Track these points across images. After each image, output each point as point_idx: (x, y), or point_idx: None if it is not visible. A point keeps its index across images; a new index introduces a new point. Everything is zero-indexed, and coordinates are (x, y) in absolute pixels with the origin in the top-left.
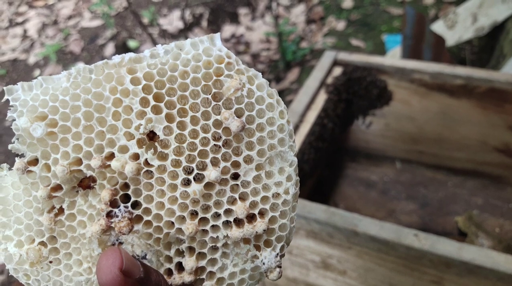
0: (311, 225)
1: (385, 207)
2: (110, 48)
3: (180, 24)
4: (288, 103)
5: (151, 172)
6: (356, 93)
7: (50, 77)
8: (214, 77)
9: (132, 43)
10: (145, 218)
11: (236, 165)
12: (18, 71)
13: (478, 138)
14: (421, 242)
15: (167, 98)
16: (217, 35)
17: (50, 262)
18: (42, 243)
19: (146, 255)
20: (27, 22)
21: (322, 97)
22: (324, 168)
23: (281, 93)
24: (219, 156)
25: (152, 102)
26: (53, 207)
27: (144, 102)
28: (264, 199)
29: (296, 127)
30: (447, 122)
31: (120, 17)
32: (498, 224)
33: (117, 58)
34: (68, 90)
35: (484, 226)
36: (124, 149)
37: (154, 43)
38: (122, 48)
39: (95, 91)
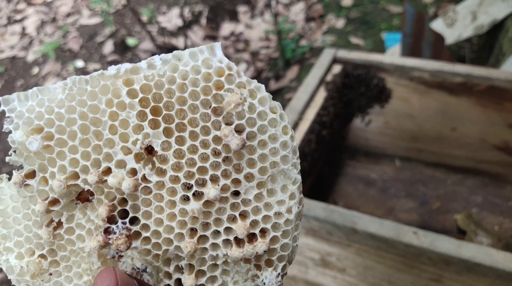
0: (310, 223)
1: (384, 205)
2: (109, 46)
3: (179, 22)
4: (287, 101)
5: (149, 187)
6: (355, 91)
7: (46, 87)
8: (214, 91)
9: (131, 41)
10: (144, 234)
11: (236, 182)
12: (16, 68)
13: (477, 136)
14: (420, 240)
15: (165, 112)
16: (218, 44)
17: (51, 274)
18: (42, 256)
19: (146, 268)
20: (25, 20)
21: (321, 95)
22: (323, 166)
23: (281, 91)
24: (218, 172)
25: (150, 116)
26: (52, 220)
27: (141, 116)
28: (266, 218)
29: (296, 125)
30: (446, 120)
31: (119, 14)
32: (498, 222)
33: (112, 69)
34: (63, 102)
35: (483, 224)
36: (121, 164)
37: (153, 40)
38: (121, 46)
39: (90, 104)
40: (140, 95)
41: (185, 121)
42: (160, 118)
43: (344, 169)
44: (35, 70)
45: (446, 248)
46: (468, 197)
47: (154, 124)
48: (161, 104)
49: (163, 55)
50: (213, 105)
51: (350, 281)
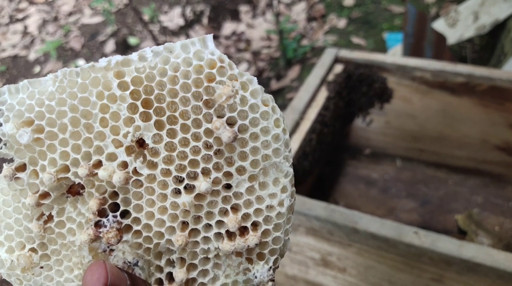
0: (311, 222)
1: (385, 204)
2: (110, 45)
3: (180, 21)
4: (289, 101)
5: (140, 180)
6: (357, 90)
7: (37, 80)
8: (205, 83)
9: (132, 40)
10: (135, 227)
11: (228, 175)
12: (18, 67)
13: (479, 136)
14: (421, 240)
15: (156, 104)
16: (209, 36)
17: (42, 267)
18: (33, 249)
19: (138, 262)
20: (27, 19)
21: (323, 95)
22: (324, 165)
23: (282, 90)
24: (210, 165)
25: (141, 109)
26: (42, 214)
27: (132, 108)
28: (257, 211)
29: (297, 125)
30: (448, 120)
31: (121, 14)
32: (498, 222)
33: (103, 61)
34: (54, 95)
35: (484, 224)
36: (112, 156)
37: (155, 40)
38: (123, 45)
39: (81, 96)
40: (131, 87)
41: (177, 114)
42: (151, 111)
43: (345, 169)
44: (37, 69)
45: (447, 248)
46: (469, 197)
47: (145, 117)
48: (152, 97)
49: (154, 47)
50: (205, 97)
51: (351, 281)
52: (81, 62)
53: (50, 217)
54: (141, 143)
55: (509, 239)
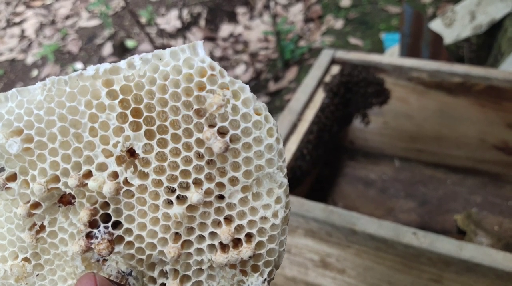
0: (310, 224)
1: (384, 205)
2: (108, 48)
3: (178, 24)
4: (286, 102)
5: (132, 191)
6: (354, 91)
7: (26, 88)
8: (196, 92)
9: (130, 43)
10: (127, 238)
11: (221, 185)
12: (16, 71)
13: (476, 136)
14: (419, 240)
15: (146, 113)
16: (200, 43)
17: (37, 275)
18: (26, 259)
19: (131, 271)
20: (24, 22)
21: (320, 96)
22: (322, 167)
23: (280, 92)
24: (202, 176)
25: (131, 118)
26: (34, 224)
27: (122, 117)
28: (251, 222)
29: (294, 126)
30: (445, 120)
31: (118, 16)
32: (497, 222)
33: (91, 70)
34: (42, 104)
35: (483, 224)
36: (102, 166)
37: (152, 42)
38: (120, 48)
39: (69, 105)
40: (120, 96)
41: (167, 123)
42: (141, 120)
43: (343, 170)
44: (34, 73)
45: (445, 248)
46: (467, 197)
47: (135, 127)
48: (141, 106)
49: (143, 54)
50: (195, 107)
51: (350, 282)
52: (78, 65)
53: (42, 227)
54: (132, 152)
55: (508, 239)
